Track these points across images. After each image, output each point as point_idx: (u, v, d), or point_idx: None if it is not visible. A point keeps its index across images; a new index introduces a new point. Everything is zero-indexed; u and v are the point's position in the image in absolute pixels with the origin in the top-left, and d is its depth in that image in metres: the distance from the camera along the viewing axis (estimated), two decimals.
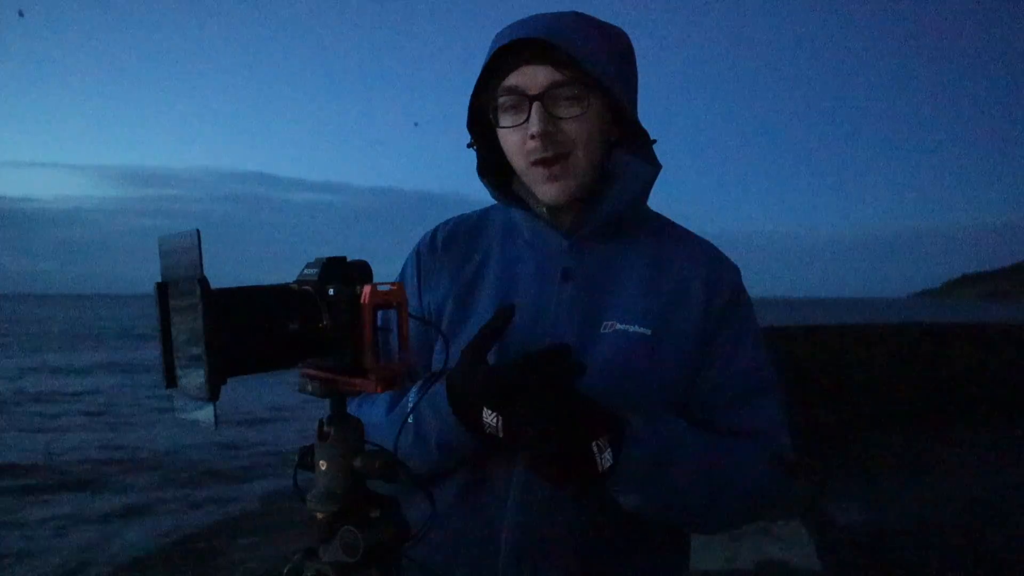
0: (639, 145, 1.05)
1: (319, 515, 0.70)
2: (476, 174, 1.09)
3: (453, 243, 1.12)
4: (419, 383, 0.97)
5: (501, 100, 0.99)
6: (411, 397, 0.97)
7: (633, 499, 0.90)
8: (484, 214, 1.16)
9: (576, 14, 1.00)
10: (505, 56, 0.98)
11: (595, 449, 0.83)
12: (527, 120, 0.97)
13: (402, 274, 1.15)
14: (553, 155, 0.97)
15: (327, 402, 0.72)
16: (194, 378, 0.58)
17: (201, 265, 0.56)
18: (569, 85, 0.96)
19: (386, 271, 0.70)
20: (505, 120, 1.00)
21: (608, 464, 0.84)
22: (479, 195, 1.14)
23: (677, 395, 1.01)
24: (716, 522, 1.00)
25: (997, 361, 8.93)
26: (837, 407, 7.93)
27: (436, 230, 1.15)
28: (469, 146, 1.07)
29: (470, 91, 1.03)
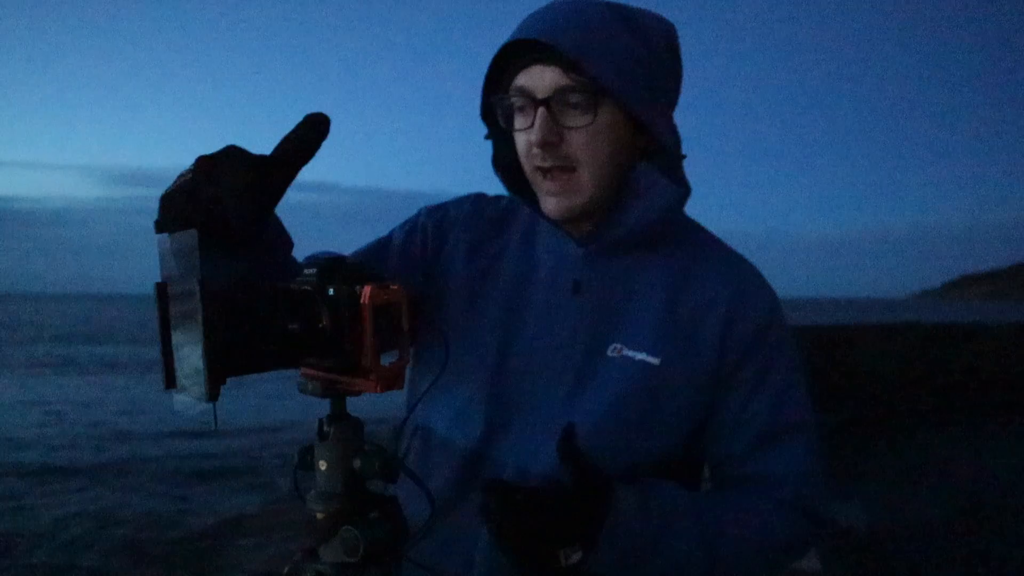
0: (670, 159, 0.94)
1: (319, 515, 0.70)
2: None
3: (478, 220, 1.06)
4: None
5: (513, 99, 0.92)
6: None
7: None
8: (512, 204, 1.08)
9: (607, 6, 0.90)
10: (517, 48, 0.90)
11: (561, 556, 0.80)
12: (533, 125, 0.89)
13: (443, 205, 1.09)
14: (552, 167, 0.91)
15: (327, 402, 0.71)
16: (194, 378, 0.58)
17: (200, 265, 0.56)
18: (576, 91, 0.87)
19: None
20: (516, 121, 0.93)
21: (575, 561, 0.80)
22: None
23: (693, 425, 0.95)
24: None
25: (997, 362, 8.93)
26: (837, 408, 7.93)
27: (477, 198, 1.09)
28: (486, 137, 1.01)
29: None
